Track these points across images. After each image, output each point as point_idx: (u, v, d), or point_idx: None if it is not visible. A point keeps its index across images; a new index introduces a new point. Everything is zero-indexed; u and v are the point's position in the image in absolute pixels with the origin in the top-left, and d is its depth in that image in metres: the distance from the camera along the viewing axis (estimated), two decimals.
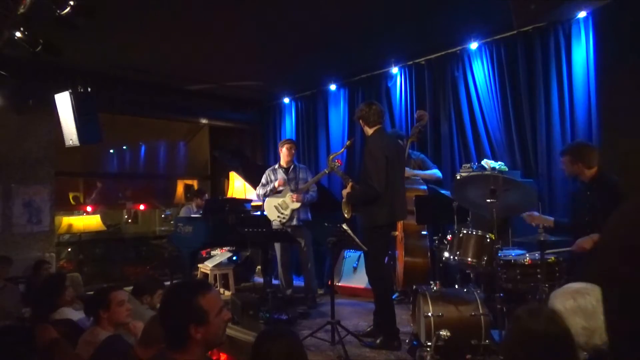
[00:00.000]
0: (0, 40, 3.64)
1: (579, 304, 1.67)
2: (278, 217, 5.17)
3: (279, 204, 5.20)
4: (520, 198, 3.31)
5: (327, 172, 4.81)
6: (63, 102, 5.06)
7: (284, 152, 5.33)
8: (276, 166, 5.43)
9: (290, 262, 5.53)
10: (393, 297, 4.74)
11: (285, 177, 5.27)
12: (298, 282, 5.64)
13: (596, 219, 3.27)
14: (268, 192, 5.27)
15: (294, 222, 5.18)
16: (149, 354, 2.07)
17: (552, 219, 3.52)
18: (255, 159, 7.81)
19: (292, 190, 5.19)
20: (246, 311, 4.28)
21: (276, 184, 5.22)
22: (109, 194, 8.67)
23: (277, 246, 5.34)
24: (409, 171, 4.89)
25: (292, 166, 5.33)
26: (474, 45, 4.97)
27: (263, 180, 5.40)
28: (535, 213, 3.51)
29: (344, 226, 3.68)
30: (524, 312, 1.57)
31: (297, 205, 5.13)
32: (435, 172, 5.02)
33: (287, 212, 5.15)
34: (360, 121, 3.99)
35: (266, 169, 5.48)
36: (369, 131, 3.94)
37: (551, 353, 1.48)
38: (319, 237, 4.84)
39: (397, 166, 3.88)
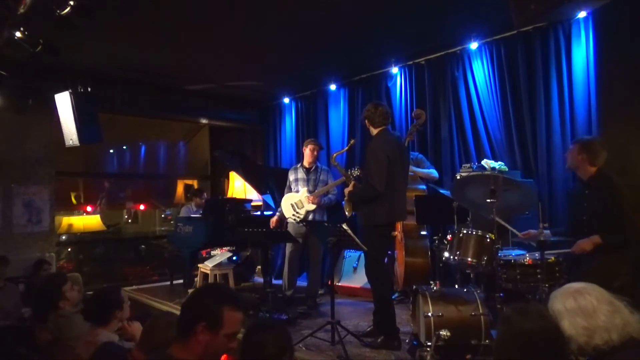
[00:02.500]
0: (0, 40, 3.64)
1: (579, 304, 1.67)
2: (293, 215, 5.16)
3: (295, 202, 5.20)
4: (520, 198, 3.31)
5: (344, 179, 4.76)
6: (63, 102, 5.06)
7: (306, 153, 5.29)
8: (298, 165, 5.42)
9: (299, 266, 5.51)
10: (393, 297, 4.75)
11: (306, 177, 5.27)
12: (300, 282, 5.63)
13: (594, 218, 3.27)
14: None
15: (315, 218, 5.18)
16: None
17: (548, 232, 3.50)
18: (255, 159, 7.82)
19: (309, 192, 5.19)
20: (246, 311, 4.27)
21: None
22: (109, 194, 8.68)
23: (288, 246, 5.34)
24: (412, 168, 4.91)
25: (314, 167, 5.33)
26: (474, 45, 4.97)
27: (288, 182, 5.43)
28: (532, 231, 3.47)
29: (344, 226, 3.68)
30: (513, 312, 1.58)
31: (312, 206, 5.11)
32: (432, 172, 5.03)
33: (302, 211, 5.13)
34: (366, 121, 4.00)
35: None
36: (374, 131, 3.96)
37: (545, 349, 1.49)
38: (318, 236, 4.84)
39: (400, 167, 3.88)
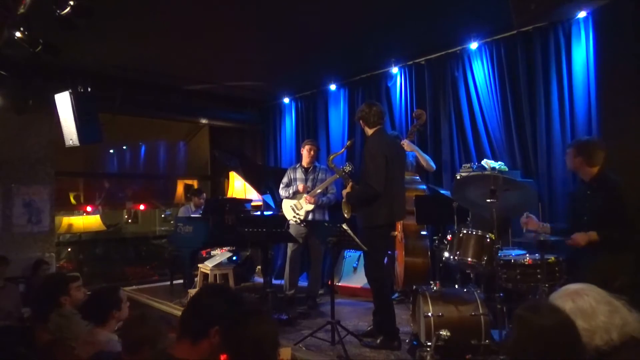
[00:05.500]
0: (0, 40, 3.64)
1: (578, 305, 1.67)
2: (294, 217, 5.19)
3: (294, 204, 5.22)
4: (520, 198, 3.30)
5: (338, 176, 4.79)
6: (63, 102, 5.06)
7: (304, 154, 5.34)
8: (297, 165, 5.45)
9: (300, 266, 5.51)
10: (393, 297, 4.75)
11: (304, 177, 5.28)
12: (300, 282, 5.62)
13: (594, 219, 3.26)
14: (290, 194, 5.28)
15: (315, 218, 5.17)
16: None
17: (548, 225, 3.49)
18: (255, 159, 7.82)
19: (307, 192, 5.20)
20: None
21: (300, 187, 5.22)
22: (109, 194, 8.68)
23: (289, 246, 5.34)
24: (410, 144, 4.92)
25: (311, 167, 5.34)
26: (474, 45, 4.97)
27: (285, 179, 5.41)
28: (534, 217, 3.46)
29: (344, 226, 3.68)
30: (525, 310, 1.57)
31: (310, 206, 5.12)
32: (430, 160, 5.05)
33: (302, 212, 5.15)
34: (361, 122, 3.99)
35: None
36: (369, 132, 3.95)
37: (561, 344, 1.48)
38: (319, 237, 4.85)
39: (397, 167, 3.88)
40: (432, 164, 5.05)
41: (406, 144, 4.88)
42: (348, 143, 4.85)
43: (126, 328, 2.19)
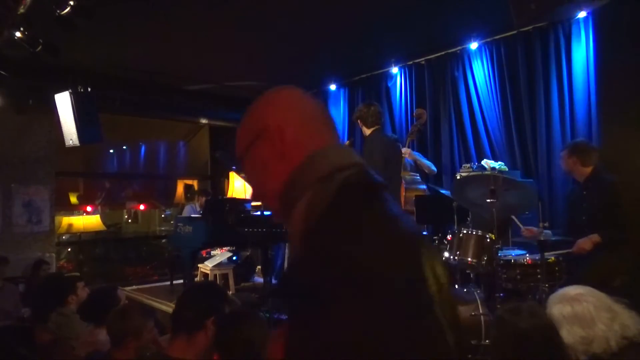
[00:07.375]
0: (0, 40, 3.64)
1: (576, 312, 1.64)
2: None
3: None
4: (520, 198, 3.31)
5: None
6: (63, 102, 5.06)
7: None
8: None
9: None
10: None
11: None
12: None
13: (592, 219, 3.27)
14: None
15: None
16: (126, 354, 2.07)
17: (550, 232, 3.49)
18: None
19: None
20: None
21: None
22: (109, 194, 8.68)
23: (287, 246, 5.33)
24: (412, 153, 4.92)
25: None
26: (474, 45, 4.97)
27: None
28: (534, 228, 3.47)
29: None
30: (505, 311, 1.58)
31: None
32: (432, 165, 5.05)
33: None
34: (359, 122, 3.99)
35: None
36: (367, 132, 3.94)
37: (538, 347, 1.49)
38: None
39: (394, 168, 3.88)
40: (433, 167, 5.03)
41: (408, 152, 4.88)
42: (347, 142, 4.85)
43: (109, 324, 2.19)
